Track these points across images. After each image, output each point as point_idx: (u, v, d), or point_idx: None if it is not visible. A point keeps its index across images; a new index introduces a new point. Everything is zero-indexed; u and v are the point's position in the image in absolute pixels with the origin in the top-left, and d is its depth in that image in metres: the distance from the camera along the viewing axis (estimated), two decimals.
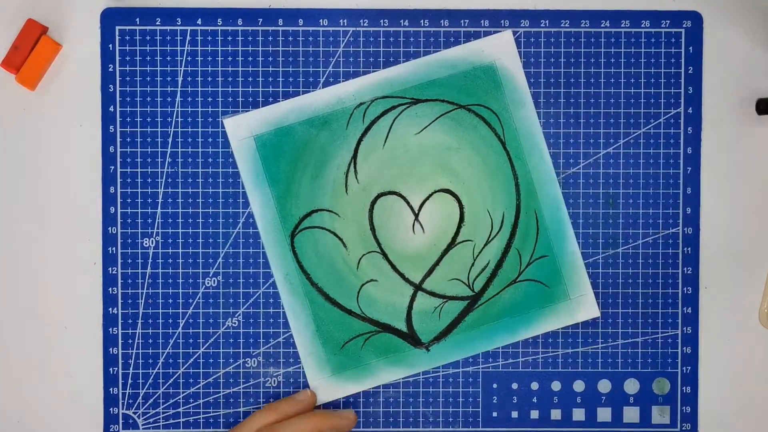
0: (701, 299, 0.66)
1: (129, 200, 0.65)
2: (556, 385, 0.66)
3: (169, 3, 0.65)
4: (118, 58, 0.64)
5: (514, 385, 0.66)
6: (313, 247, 0.65)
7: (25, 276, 0.65)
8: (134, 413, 0.65)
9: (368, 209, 0.65)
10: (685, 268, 0.65)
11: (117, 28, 0.64)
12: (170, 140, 0.65)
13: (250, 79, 0.65)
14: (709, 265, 0.66)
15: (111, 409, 0.65)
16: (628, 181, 0.65)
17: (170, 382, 0.65)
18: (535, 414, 0.66)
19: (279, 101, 0.65)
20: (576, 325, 0.65)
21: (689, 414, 0.66)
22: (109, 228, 0.65)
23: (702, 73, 0.65)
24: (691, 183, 0.65)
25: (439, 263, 0.65)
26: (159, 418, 0.65)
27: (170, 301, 0.65)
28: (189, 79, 0.65)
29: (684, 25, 0.65)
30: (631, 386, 0.66)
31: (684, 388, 0.66)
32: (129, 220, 0.65)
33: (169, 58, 0.65)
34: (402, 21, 0.65)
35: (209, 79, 0.65)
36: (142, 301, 0.65)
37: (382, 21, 0.65)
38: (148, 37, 0.64)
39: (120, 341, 0.65)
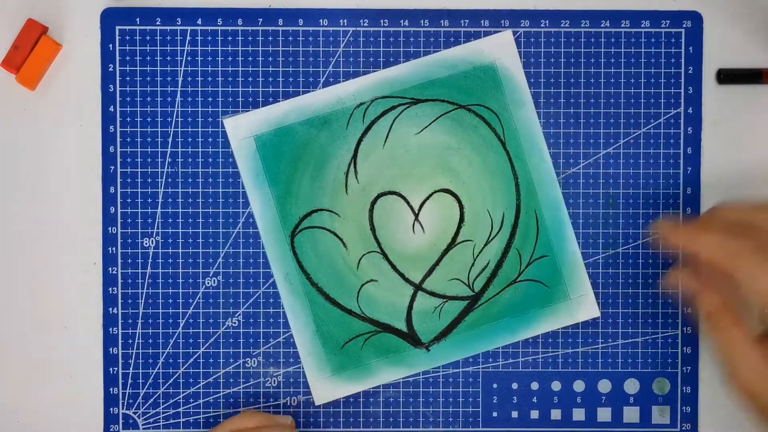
0: None
1: (129, 200, 0.65)
2: (556, 385, 0.66)
3: (169, 3, 0.65)
4: (118, 58, 0.64)
5: (514, 385, 0.66)
6: (313, 247, 0.65)
7: (25, 276, 0.65)
8: (134, 413, 0.65)
9: (368, 209, 0.65)
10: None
11: (117, 28, 0.64)
12: (170, 140, 0.65)
13: (250, 79, 0.65)
14: None
15: (111, 409, 0.65)
16: (628, 181, 0.65)
17: (170, 382, 0.65)
18: (535, 414, 0.66)
19: (279, 101, 0.65)
20: (576, 325, 0.65)
21: (689, 414, 0.66)
22: (109, 228, 0.65)
23: (702, 73, 0.65)
24: (691, 183, 0.65)
25: (439, 263, 0.65)
26: (159, 418, 0.65)
27: (170, 301, 0.65)
28: (189, 79, 0.65)
29: (684, 25, 0.65)
30: (631, 386, 0.66)
31: (684, 388, 0.66)
32: (129, 220, 0.65)
33: (169, 58, 0.65)
34: (402, 21, 0.65)
35: (209, 79, 0.65)
36: (142, 301, 0.65)
37: (382, 21, 0.65)
38: (148, 37, 0.64)
39: (120, 341, 0.65)
